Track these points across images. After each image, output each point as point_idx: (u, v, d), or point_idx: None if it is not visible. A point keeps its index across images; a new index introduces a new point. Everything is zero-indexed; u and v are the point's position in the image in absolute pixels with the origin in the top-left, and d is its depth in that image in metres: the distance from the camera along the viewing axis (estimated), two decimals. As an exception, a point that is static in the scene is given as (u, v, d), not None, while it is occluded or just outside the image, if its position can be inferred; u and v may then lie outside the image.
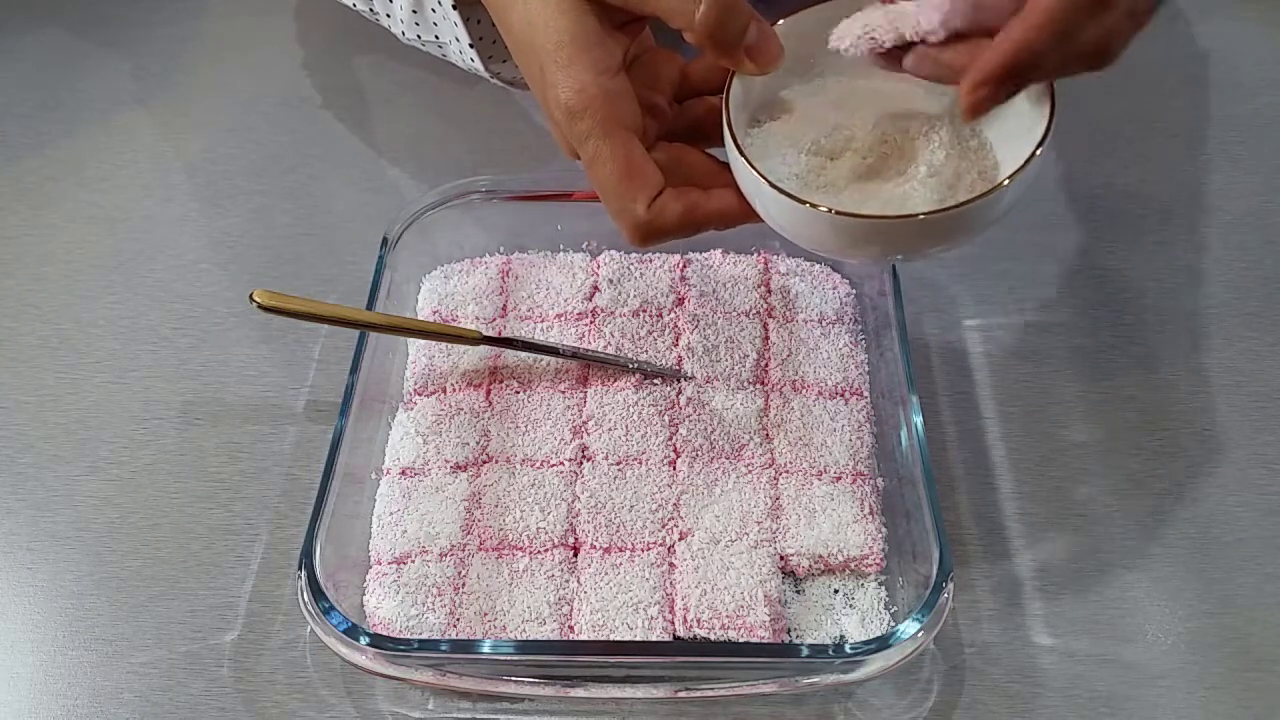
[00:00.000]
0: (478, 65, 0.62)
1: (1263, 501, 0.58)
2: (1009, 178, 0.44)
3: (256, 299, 0.57)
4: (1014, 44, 0.41)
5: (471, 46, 0.61)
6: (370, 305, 0.61)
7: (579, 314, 0.64)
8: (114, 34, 0.88)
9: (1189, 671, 0.53)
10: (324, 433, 0.59)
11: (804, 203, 0.45)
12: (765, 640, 0.51)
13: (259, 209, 0.75)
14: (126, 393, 0.64)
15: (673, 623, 0.52)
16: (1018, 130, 0.46)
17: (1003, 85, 0.42)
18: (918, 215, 0.44)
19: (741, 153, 0.46)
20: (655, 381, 0.61)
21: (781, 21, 0.48)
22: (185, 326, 0.68)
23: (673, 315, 0.64)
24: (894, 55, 0.46)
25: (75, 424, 0.63)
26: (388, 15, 0.68)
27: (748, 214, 0.48)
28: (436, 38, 0.65)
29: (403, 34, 0.68)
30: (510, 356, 0.62)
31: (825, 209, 0.44)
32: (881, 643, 0.47)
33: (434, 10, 0.63)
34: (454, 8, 0.60)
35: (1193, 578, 0.56)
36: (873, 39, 0.45)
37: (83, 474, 0.61)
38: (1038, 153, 0.44)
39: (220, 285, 0.70)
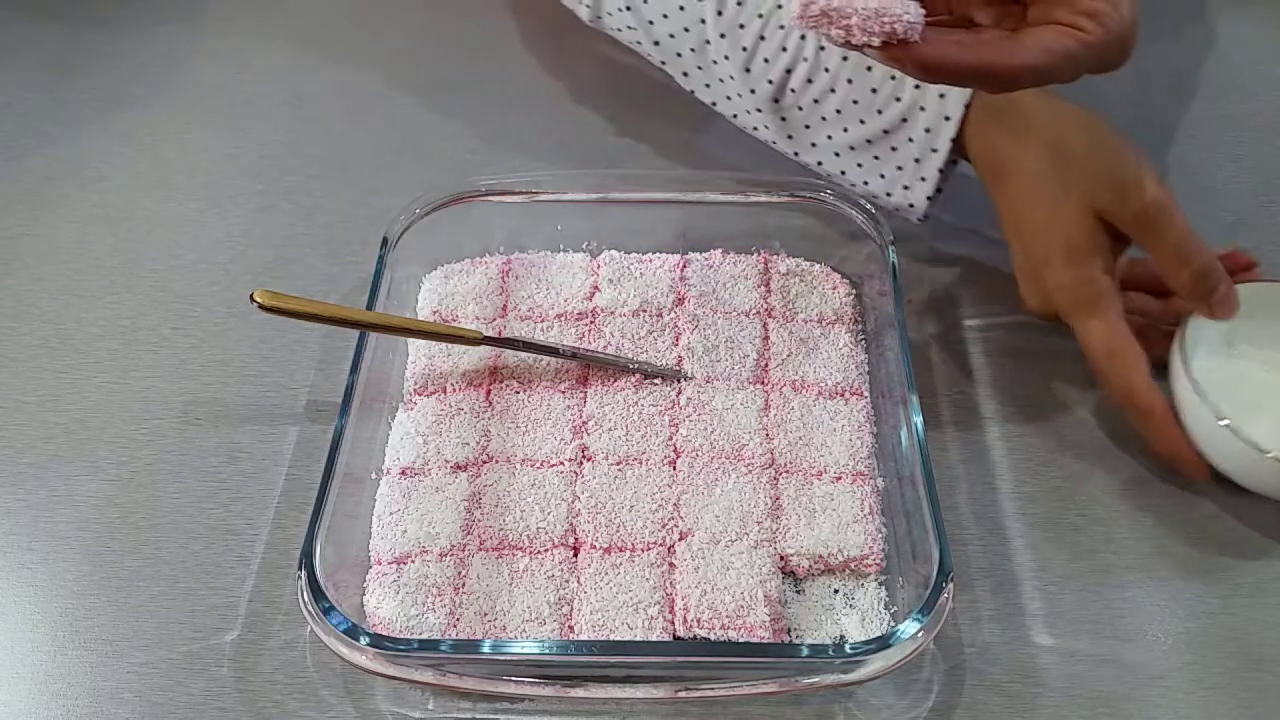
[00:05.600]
0: (916, 200, 0.64)
1: (1263, 500, 0.58)
2: None
3: (256, 299, 0.57)
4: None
5: (939, 191, 0.64)
6: (370, 305, 0.61)
7: (579, 314, 0.64)
8: (114, 34, 0.88)
9: (1189, 671, 0.53)
10: (324, 433, 0.59)
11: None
12: (765, 640, 0.51)
13: (259, 209, 0.75)
14: (126, 393, 0.64)
15: (673, 623, 0.52)
16: None
17: None
18: None
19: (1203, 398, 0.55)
20: (655, 381, 0.61)
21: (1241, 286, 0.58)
22: (185, 326, 0.68)
23: (673, 315, 0.64)
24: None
25: (75, 424, 0.63)
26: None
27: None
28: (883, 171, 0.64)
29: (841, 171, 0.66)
30: (510, 356, 0.62)
31: None
32: (881, 643, 0.47)
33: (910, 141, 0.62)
34: (952, 162, 0.63)
35: (1193, 578, 0.56)
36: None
37: (83, 474, 0.61)
38: None
39: (220, 285, 0.70)
